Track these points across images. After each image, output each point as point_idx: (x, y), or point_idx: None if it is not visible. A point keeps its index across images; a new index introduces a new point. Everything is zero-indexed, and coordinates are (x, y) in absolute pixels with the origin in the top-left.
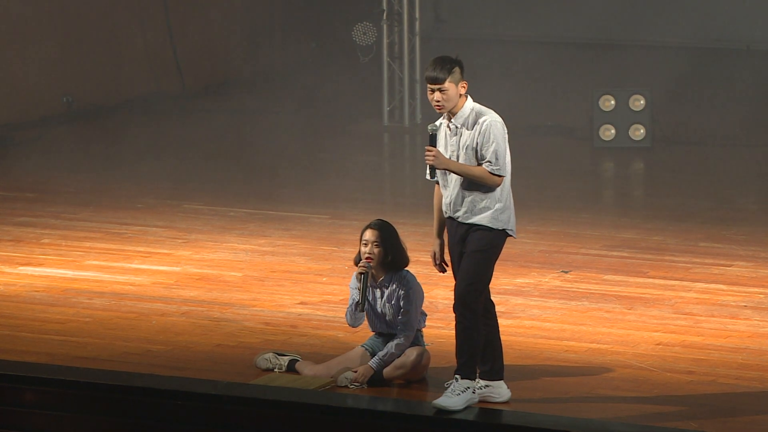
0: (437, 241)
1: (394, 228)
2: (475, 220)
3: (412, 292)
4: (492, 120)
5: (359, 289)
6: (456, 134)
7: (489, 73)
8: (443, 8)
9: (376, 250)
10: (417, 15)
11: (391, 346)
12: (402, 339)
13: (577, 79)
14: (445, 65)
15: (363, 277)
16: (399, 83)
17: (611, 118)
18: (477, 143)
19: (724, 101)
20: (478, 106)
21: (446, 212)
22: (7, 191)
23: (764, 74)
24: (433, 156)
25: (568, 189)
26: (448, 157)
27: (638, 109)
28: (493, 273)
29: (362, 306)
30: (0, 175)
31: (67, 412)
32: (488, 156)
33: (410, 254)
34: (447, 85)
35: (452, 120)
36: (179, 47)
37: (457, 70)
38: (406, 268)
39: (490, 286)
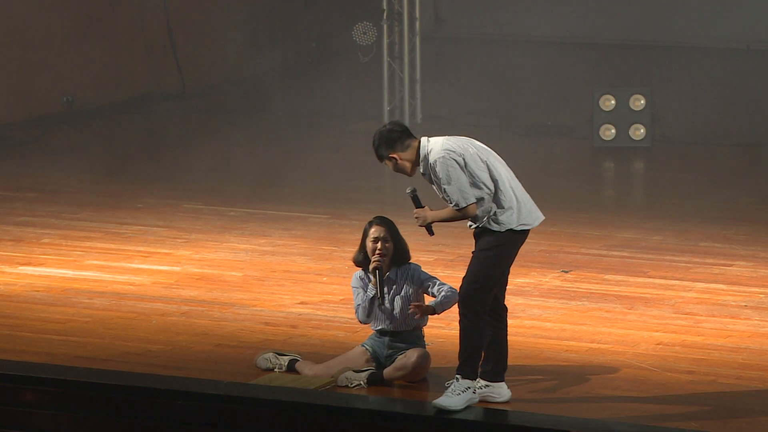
0: None
1: (394, 223)
2: (481, 224)
3: (424, 272)
4: (433, 159)
5: (374, 284)
6: (431, 180)
7: (489, 73)
8: (443, 8)
9: (387, 245)
10: (417, 15)
11: (443, 294)
12: (447, 289)
13: (577, 79)
14: (374, 149)
15: (378, 272)
16: (399, 83)
17: (611, 117)
18: (439, 185)
19: (724, 101)
20: (429, 145)
21: None
22: (7, 191)
23: (764, 74)
24: (416, 218)
25: (568, 189)
26: (441, 197)
27: (638, 109)
28: (507, 273)
29: (381, 300)
30: (0, 175)
31: (67, 412)
32: (444, 196)
33: (410, 254)
34: (384, 163)
35: (421, 171)
36: (179, 47)
37: (381, 148)
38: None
39: (506, 290)
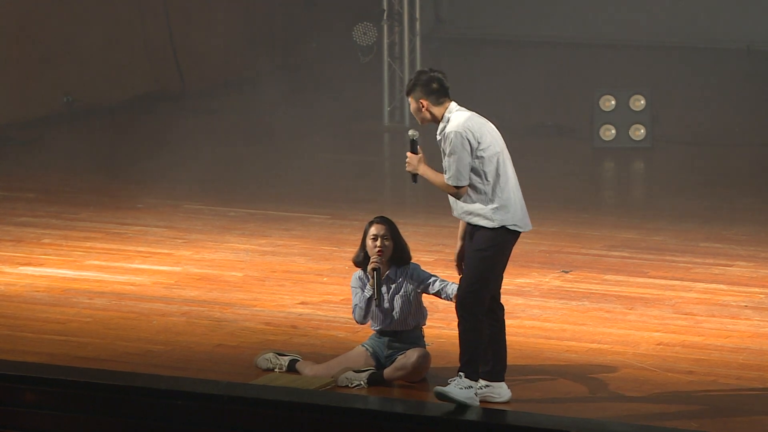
0: (459, 243)
1: (394, 223)
2: (473, 220)
3: (424, 271)
4: (451, 128)
5: (372, 285)
6: (441, 144)
7: (489, 73)
8: (443, 8)
9: (387, 243)
10: (417, 15)
11: (447, 288)
12: (449, 286)
13: (577, 79)
14: (410, 84)
15: (376, 272)
16: (399, 83)
17: (611, 118)
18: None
19: (724, 101)
20: (455, 114)
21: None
22: (7, 191)
23: (764, 74)
24: (407, 162)
25: (568, 189)
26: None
27: (638, 109)
28: (503, 272)
29: (379, 300)
30: (0, 175)
31: (67, 412)
32: (444, 167)
33: (411, 255)
34: (410, 99)
35: (437, 131)
36: (179, 47)
37: (417, 88)
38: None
39: (501, 288)
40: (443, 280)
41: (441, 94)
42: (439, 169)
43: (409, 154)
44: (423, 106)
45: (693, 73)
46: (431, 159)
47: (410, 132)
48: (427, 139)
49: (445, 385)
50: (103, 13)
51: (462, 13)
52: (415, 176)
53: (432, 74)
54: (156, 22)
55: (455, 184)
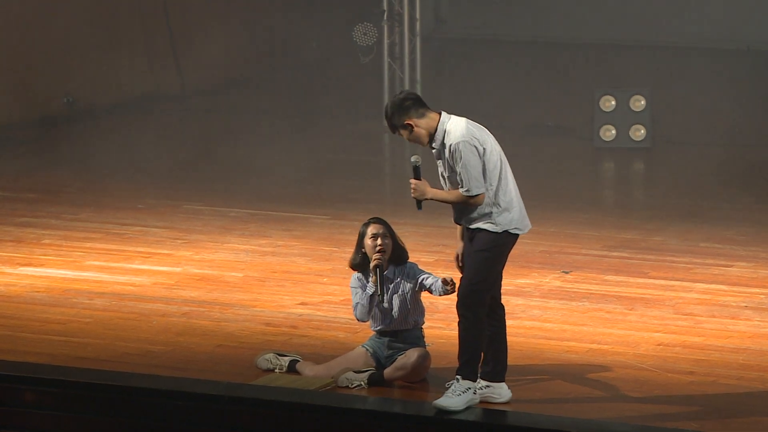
0: (460, 244)
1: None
2: (476, 225)
3: (420, 269)
4: (456, 142)
5: (375, 282)
6: (439, 156)
7: (489, 73)
8: (443, 8)
9: (387, 241)
10: (417, 15)
11: (437, 283)
12: (439, 281)
13: (577, 79)
14: (388, 119)
15: (378, 270)
16: (399, 84)
17: (612, 118)
18: (451, 167)
19: (724, 101)
20: (449, 123)
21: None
22: (7, 191)
23: (764, 74)
24: (413, 189)
25: (568, 189)
26: (445, 177)
27: (639, 110)
28: (502, 274)
29: (382, 297)
30: (0, 176)
31: (67, 412)
32: (457, 178)
33: (410, 254)
34: (399, 132)
35: (432, 144)
36: (179, 47)
37: (396, 116)
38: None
39: (501, 289)
40: (436, 277)
41: (418, 105)
42: (439, 186)
43: (413, 180)
44: (412, 126)
45: (693, 73)
46: (429, 179)
47: (413, 158)
48: (425, 162)
49: (444, 390)
50: (103, 13)
51: (462, 13)
52: (420, 203)
53: (398, 96)
54: (156, 22)
55: (476, 193)
